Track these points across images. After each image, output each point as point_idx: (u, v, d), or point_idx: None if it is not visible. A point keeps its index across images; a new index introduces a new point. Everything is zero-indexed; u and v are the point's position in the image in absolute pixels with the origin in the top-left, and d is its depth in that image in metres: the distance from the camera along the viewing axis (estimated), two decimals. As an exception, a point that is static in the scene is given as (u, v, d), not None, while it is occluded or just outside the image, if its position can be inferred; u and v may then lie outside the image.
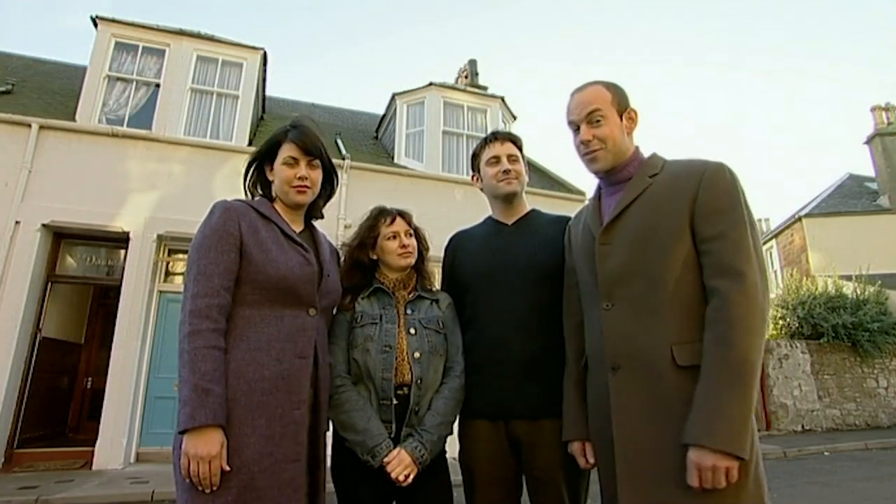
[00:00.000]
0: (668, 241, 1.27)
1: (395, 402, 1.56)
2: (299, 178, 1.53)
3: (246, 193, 1.65)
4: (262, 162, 1.62)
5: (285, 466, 1.32)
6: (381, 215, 1.77)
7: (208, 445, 1.22)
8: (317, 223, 1.73)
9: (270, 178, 1.59)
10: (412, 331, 1.64)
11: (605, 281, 1.36)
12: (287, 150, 1.55)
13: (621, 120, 1.42)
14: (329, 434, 1.56)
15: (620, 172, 1.43)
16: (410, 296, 1.72)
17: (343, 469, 1.58)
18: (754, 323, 1.14)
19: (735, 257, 1.20)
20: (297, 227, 1.60)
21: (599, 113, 1.40)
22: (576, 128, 1.46)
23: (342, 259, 1.76)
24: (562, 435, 1.51)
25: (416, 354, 1.60)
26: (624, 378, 1.27)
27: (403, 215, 1.79)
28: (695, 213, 1.26)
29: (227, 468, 1.25)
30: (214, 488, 1.23)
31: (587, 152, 1.43)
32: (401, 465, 1.47)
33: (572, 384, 1.52)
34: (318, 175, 1.60)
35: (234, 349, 1.34)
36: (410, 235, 1.76)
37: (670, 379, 1.20)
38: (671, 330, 1.23)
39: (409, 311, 1.68)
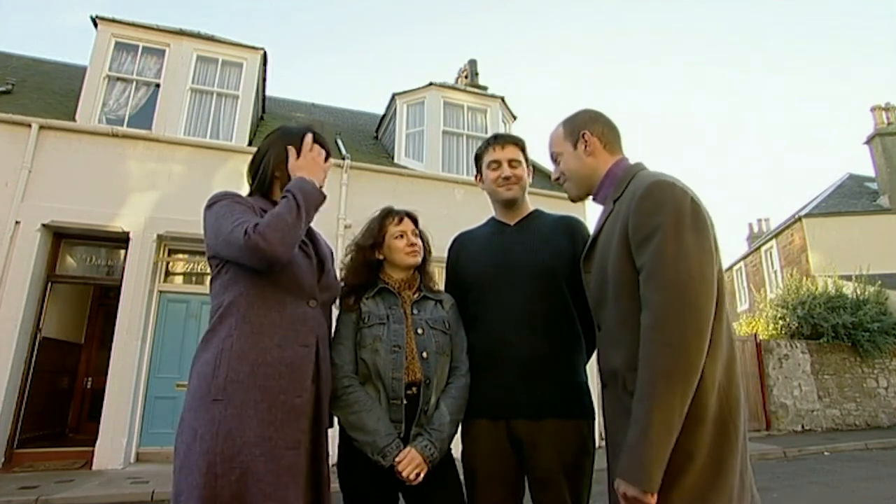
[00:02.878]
0: (616, 273, 1.26)
1: (405, 401, 1.56)
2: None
3: (264, 177, 1.58)
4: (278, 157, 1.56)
5: (285, 453, 1.32)
6: (388, 215, 1.80)
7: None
8: (316, 223, 1.73)
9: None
10: (419, 331, 1.65)
11: (592, 306, 1.44)
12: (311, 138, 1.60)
13: (575, 148, 1.48)
14: (333, 434, 1.56)
15: (597, 195, 1.48)
16: (416, 296, 1.74)
17: (349, 470, 1.57)
18: (662, 363, 1.08)
19: (651, 292, 1.13)
20: None
21: (556, 153, 1.53)
22: None
23: (350, 258, 1.78)
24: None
25: (424, 354, 1.61)
26: (607, 394, 1.34)
27: (410, 216, 1.82)
28: (630, 242, 1.22)
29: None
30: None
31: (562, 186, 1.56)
32: (412, 463, 1.48)
33: None
34: None
35: (237, 331, 1.35)
36: (417, 235, 1.79)
37: (626, 402, 1.20)
38: (624, 357, 1.23)
39: (415, 312, 1.69)
